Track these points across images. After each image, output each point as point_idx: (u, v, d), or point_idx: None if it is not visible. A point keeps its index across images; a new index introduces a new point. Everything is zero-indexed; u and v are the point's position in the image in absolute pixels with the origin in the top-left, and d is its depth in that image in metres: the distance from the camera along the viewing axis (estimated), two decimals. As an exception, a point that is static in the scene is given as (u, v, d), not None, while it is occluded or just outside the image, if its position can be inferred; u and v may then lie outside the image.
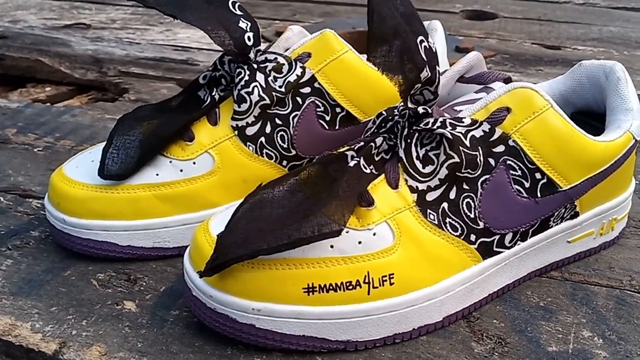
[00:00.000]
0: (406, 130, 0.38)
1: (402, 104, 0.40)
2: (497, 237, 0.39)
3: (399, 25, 0.33)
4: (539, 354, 0.37)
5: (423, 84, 0.36)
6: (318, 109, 0.46)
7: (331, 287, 0.35)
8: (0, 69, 0.87)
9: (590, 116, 0.48)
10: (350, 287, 0.35)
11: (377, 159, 0.39)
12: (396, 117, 0.39)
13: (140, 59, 0.86)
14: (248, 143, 0.45)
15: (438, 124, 0.38)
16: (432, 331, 0.38)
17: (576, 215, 0.43)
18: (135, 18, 1.06)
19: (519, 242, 0.40)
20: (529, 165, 0.39)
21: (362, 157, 0.37)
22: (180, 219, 0.44)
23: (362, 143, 0.39)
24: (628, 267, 0.45)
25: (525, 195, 0.39)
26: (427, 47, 0.36)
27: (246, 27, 0.44)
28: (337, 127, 0.47)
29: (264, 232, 0.34)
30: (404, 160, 0.38)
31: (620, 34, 1.01)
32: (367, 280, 0.36)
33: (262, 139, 0.46)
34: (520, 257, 0.41)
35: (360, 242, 0.36)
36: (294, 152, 0.47)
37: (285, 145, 0.46)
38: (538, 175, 0.39)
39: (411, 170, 0.38)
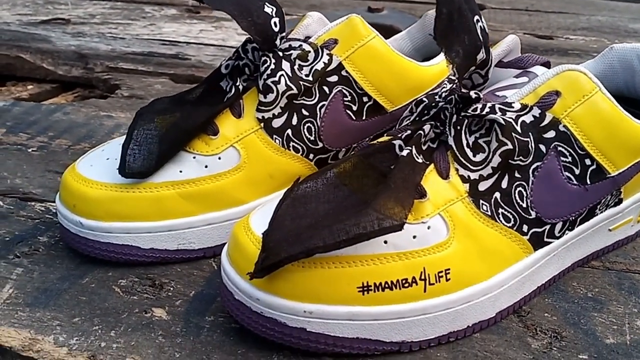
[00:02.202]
0: (455, 116, 0.36)
1: (443, 89, 0.38)
2: (547, 226, 0.37)
3: (461, 3, 0.31)
4: (597, 347, 0.35)
5: (477, 66, 0.34)
6: (345, 99, 0.44)
7: (387, 286, 0.33)
8: (-22, 66, 0.82)
9: (622, 101, 0.47)
10: (407, 285, 0.33)
11: (424, 148, 0.37)
12: (441, 104, 0.37)
13: (128, 54, 0.82)
14: (274, 136, 0.43)
15: (487, 109, 0.36)
16: (485, 328, 0.36)
17: (620, 202, 0.41)
18: (115, 12, 1.02)
19: (567, 232, 0.39)
20: (579, 151, 0.37)
21: (413, 146, 0.35)
22: (205, 219, 0.41)
23: (408, 132, 0.36)
24: (667, 254, 0.44)
25: (575, 182, 0.38)
26: (482, 27, 0.34)
27: (272, 12, 0.42)
28: (364, 117, 0.45)
29: (316, 228, 0.32)
30: (454, 149, 0.36)
31: (608, 23, 1.02)
32: (423, 277, 0.34)
33: (289, 131, 0.43)
34: (567, 247, 0.40)
35: (415, 237, 0.34)
36: (320, 145, 0.44)
37: (312, 138, 0.44)
38: (588, 162, 0.38)
39: (462, 159, 0.36)
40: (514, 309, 0.38)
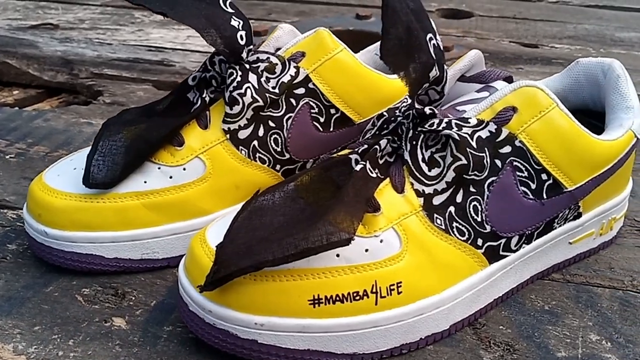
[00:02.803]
0: (411, 131, 0.37)
1: (404, 104, 0.38)
2: (503, 240, 0.38)
3: (411, 22, 0.32)
4: (549, 361, 0.36)
5: (431, 83, 0.34)
6: (312, 111, 0.45)
7: (338, 298, 0.33)
8: (-36, 71, 0.83)
9: (587, 114, 0.47)
10: (358, 298, 0.34)
11: (381, 162, 0.37)
12: (399, 118, 0.38)
13: (113, 60, 0.82)
14: (240, 147, 0.43)
15: (444, 124, 0.36)
16: (439, 340, 0.37)
17: (579, 215, 0.42)
18: (104, 18, 1.03)
19: (524, 245, 0.39)
20: (535, 166, 0.38)
21: (367, 161, 0.36)
22: (169, 229, 0.42)
23: (365, 146, 0.37)
24: (628, 267, 0.44)
25: (531, 197, 0.38)
26: (436, 44, 0.34)
27: (238, 25, 0.42)
28: (331, 129, 0.46)
29: (267, 241, 0.32)
30: (410, 163, 0.37)
31: (595, 32, 1.02)
32: (374, 290, 0.34)
33: (255, 142, 0.44)
34: (524, 260, 0.40)
35: (367, 250, 0.34)
36: (287, 156, 0.45)
37: (279, 149, 0.44)
38: (544, 176, 0.38)
39: (417, 174, 0.36)
40: (469, 322, 0.38)
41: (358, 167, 0.35)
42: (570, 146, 0.39)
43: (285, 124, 0.44)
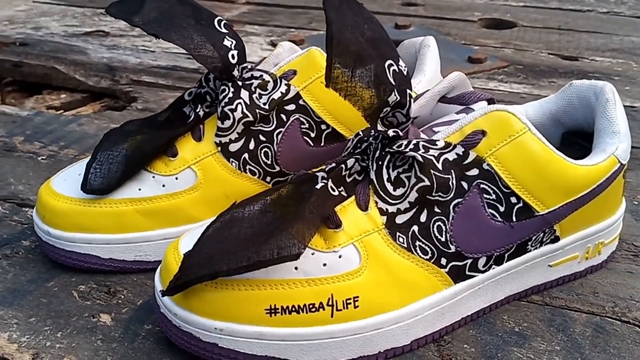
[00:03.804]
0: (378, 152, 0.38)
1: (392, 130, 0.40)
2: (469, 260, 0.39)
3: (363, 51, 0.33)
4: (506, 382, 0.36)
5: (392, 107, 0.36)
6: (303, 126, 0.47)
7: (294, 309, 0.35)
8: (19, 75, 0.89)
9: (582, 137, 0.47)
10: (313, 309, 0.36)
11: (348, 180, 0.39)
12: (370, 139, 0.39)
13: (153, 67, 0.87)
14: (231, 159, 0.46)
15: (411, 146, 0.37)
16: (399, 354, 0.38)
17: (557, 239, 0.42)
18: (154, 25, 1.08)
19: (493, 266, 0.40)
20: (504, 189, 0.38)
21: (330, 179, 0.37)
22: (161, 234, 0.45)
23: (333, 164, 0.39)
24: (613, 293, 0.44)
25: (499, 219, 0.39)
26: (397, 70, 0.35)
27: (230, 45, 0.45)
28: (322, 144, 0.48)
29: (228, 253, 0.35)
30: (375, 182, 0.38)
31: (642, 45, 0.99)
32: (330, 303, 0.36)
33: (246, 155, 0.46)
34: (496, 281, 0.41)
35: (325, 265, 0.36)
36: (278, 169, 0.47)
37: (269, 162, 0.46)
38: (513, 200, 0.39)
39: (381, 192, 0.38)
40: (433, 338, 0.39)
41: (320, 185, 0.37)
42: (542, 171, 0.39)
43: (275, 138, 0.46)
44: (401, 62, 0.36)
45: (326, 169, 0.38)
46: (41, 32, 1.01)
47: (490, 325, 0.41)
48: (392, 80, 0.35)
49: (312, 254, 0.36)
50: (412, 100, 0.37)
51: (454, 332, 0.40)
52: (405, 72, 0.36)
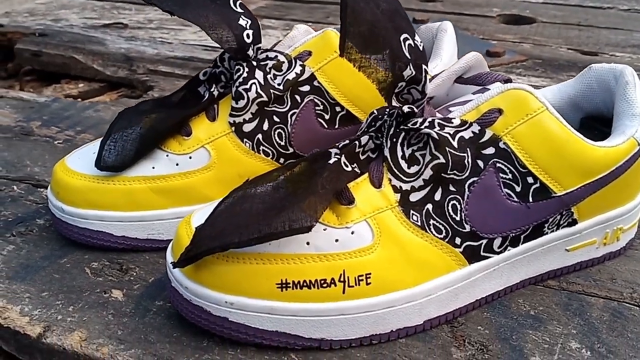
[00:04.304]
0: (392, 129, 0.38)
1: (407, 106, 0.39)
2: (484, 241, 0.38)
3: (378, 22, 0.33)
4: (520, 364, 0.36)
5: (408, 82, 0.35)
6: (317, 107, 0.46)
7: (305, 284, 0.35)
8: (38, 65, 0.90)
9: (601, 121, 0.46)
10: (325, 285, 0.35)
11: (362, 157, 0.38)
12: (385, 116, 0.39)
13: (170, 58, 0.87)
14: (245, 139, 0.46)
15: (426, 123, 0.37)
16: (412, 334, 0.38)
17: (574, 222, 0.41)
18: (171, 19, 1.08)
19: (509, 248, 0.39)
20: (521, 169, 0.38)
21: (343, 155, 0.37)
22: (174, 212, 0.45)
23: (347, 141, 0.38)
24: (632, 280, 0.43)
25: (515, 199, 0.38)
26: (412, 45, 0.35)
27: (246, 24, 0.45)
28: (336, 126, 0.47)
29: (239, 226, 0.34)
30: (389, 160, 0.37)
31: (663, 41, 0.97)
32: (342, 279, 0.35)
33: (260, 135, 0.46)
34: (511, 263, 0.40)
35: (337, 240, 0.36)
36: (291, 150, 0.47)
37: (282, 143, 0.46)
38: (530, 180, 0.38)
39: (395, 170, 0.37)
40: (446, 319, 0.39)
41: (332, 160, 0.36)
42: (560, 150, 0.38)
43: (289, 119, 0.46)
44: (417, 37, 0.36)
45: (339, 146, 0.38)
46: (60, 24, 1.02)
47: (505, 308, 0.40)
48: (407, 54, 0.35)
49: (324, 229, 0.36)
50: (427, 76, 0.36)
51: (467, 314, 0.39)
52: (421, 48, 0.36)
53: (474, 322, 0.39)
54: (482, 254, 0.38)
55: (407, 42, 0.35)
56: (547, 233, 0.40)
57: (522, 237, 0.39)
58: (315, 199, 0.34)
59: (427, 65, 0.36)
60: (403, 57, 0.34)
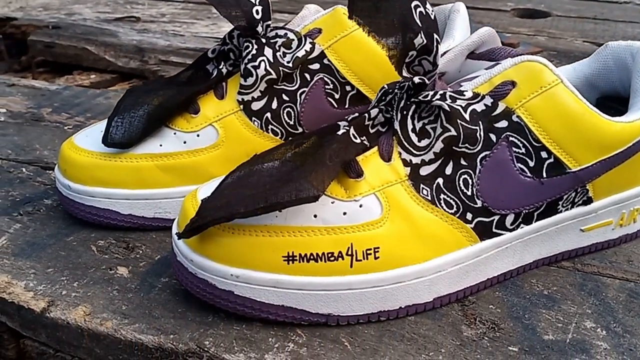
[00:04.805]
0: (403, 101, 0.37)
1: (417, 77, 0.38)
2: (496, 217, 0.37)
3: (387, -13, 0.32)
4: (532, 342, 0.35)
5: (419, 52, 0.35)
6: (327, 86, 0.46)
7: (312, 257, 0.34)
8: (50, 56, 0.91)
9: (618, 101, 0.45)
10: (332, 259, 0.34)
11: (372, 131, 0.38)
12: (395, 90, 0.38)
13: (181, 49, 0.87)
14: (253, 118, 0.45)
15: (438, 96, 0.36)
16: (421, 312, 0.37)
17: (589, 201, 0.40)
18: (184, 13, 1.08)
19: (522, 225, 0.38)
20: (534, 143, 0.37)
21: (352, 127, 0.36)
22: (181, 191, 0.44)
23: (356, 114, 0.37)
24: (649, 262, 0.42)
25: (529, 174, 0.37)
26: (424, 12, 0.34)
27: (255, 1, 0.44)
28: (347, 106, 0.46)
29: (246, 197, 0.34)
30: (399, 133, 0.37)
31: (682, 34, 0.96)
32: (350, 253, 0.34)
33: (268, 114, 0.45)
34: (524, 241, 0.39)
35: (345, 213, 0.35)
36: (300, 130, 0.46)
37: (291, 122, 0.46)
38: (544, 154, 0.37)
39: (405, 143, 0.36)
40: (457, 297, 0.38)
41: (340, 132, 0.36)
42: (575, 124, 0.37)
43: (298, 98, 0.45)
44: (428, 6, 0.35)
45: (349, 119, 0.37)
46: (74, 17, 1.03)
47: (518, 288, 0.39)
48: (418, 21, 0.34)
49: (332, 202, 0.35)
50: (439, 46, 0.35)
51: (479, 293, 0.38)
52: (432, 16, 0.35)
53: (486, 300, 0.38)
54: (494, 230, 0.37)
55: (418, 10, 0.34)
56: (561, 211, 0.39)
57: (535, 214, 0.38)
58: (322, 170, 0.34)
59: (438, 35, 0.35)
60: (414, 25, 0.33)
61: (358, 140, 0.36)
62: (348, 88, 0.46)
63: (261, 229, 0.34)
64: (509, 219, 0.37)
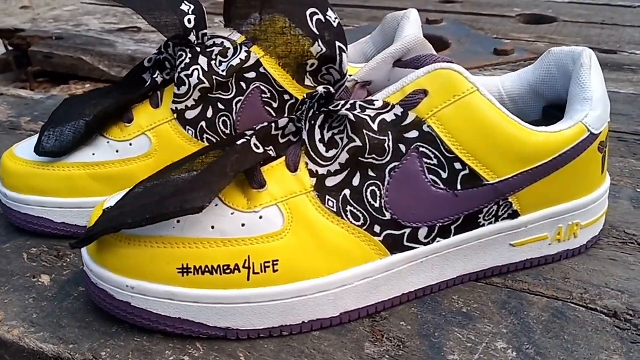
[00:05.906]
0: (312, 111, 0.36)
1: (322, 86, 0.38)
2: (407, 230, 0.36)
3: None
4: (435, 362, 0.33)
5: (320, 60, 0.34)
6: (264, 95, 0.45)
7: (207, 270, 0.34)
8: (49, 66, 0.93)
9: (563, 110, 0.43)
10: (228, 271, 0.34)
11: (282, 141, 0.37)
12: (307, 100, 0.37)
13: (173, 59, 0.88)
14: (188, 127, 0.45)
15: (347, 106, 0.35)
16: (327, 327, 0.36)
17: (516, 215, 0.38)
18: (188, 22, 1.10)
19: (438, 239, 0.37)
20: (447, 154, 0.35)
21: (254, 136, 0.36)
22: (114, 200, 0.44)
23: (265, 124, 0.37)
24: (587, 280, 0.39)
25: (442, 186, 0.36)
26: (322, 20, 0.33)
27: (188, 9, 0.44)
28: (285, 115, 0.46)
29: (138, 208, 0.33)
30: (307, 142, 0.36)
31: (692, 39, 0.91)
32: (247, 265, 0.34)
33: (203, 123, 0.45)
34: (443, 256, 0.37)
35: (243, 225, 0.34)
36: (237, 139, 0.45)
37: (227, 131, 0.45)
38: (458, 166, 0.36)
39: (312, 153, 0.36)
40: (367, 313, 0.36)
41: (240, 142, 0.35)
42: (492, 135, 0.36)
43: (234, 106, 0.45)
44: (330, 13, 0.34)
45: (256, 128, 0.37)
46: (80, 29, 1.05)
47: (436, 304, 0.38)
48: (315, 29, 0.33)
49: (232, 213, 0.35)
50: (345, 55, 0.35)
51: (393, 309, 0.37)
52: (335, 24, 0.34)
53: (398, 317, 0.37)
54: (405, 244, 0.36)
55: (315, 17, 0.33)
56: (483, 225, 0.38)
57: (452, 227, 0.37)
58: (213, 180, 0.33)
59: (344, 44, 0.34)
60: (309, 32, 0.33)
61: (261, 150, 0.36)
62: (286, 97, 0.45)
63: (157, 240, 0.34)
64: (422, 232, 0.36)
